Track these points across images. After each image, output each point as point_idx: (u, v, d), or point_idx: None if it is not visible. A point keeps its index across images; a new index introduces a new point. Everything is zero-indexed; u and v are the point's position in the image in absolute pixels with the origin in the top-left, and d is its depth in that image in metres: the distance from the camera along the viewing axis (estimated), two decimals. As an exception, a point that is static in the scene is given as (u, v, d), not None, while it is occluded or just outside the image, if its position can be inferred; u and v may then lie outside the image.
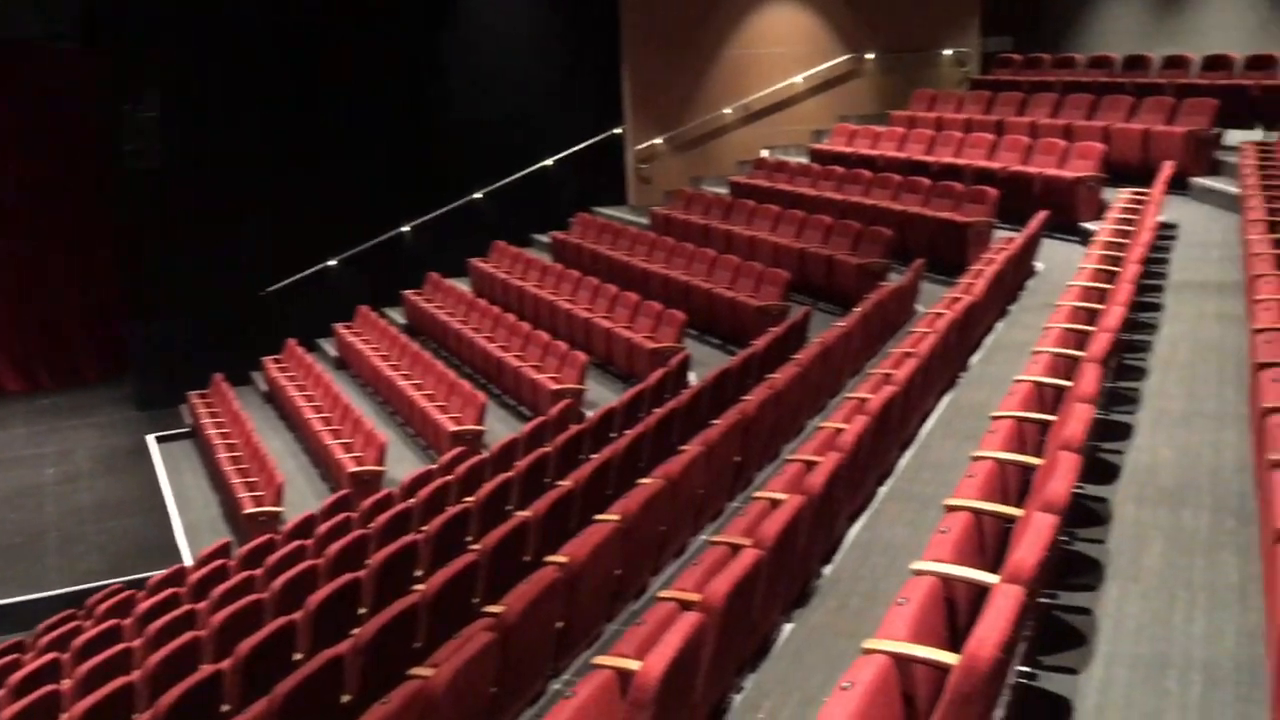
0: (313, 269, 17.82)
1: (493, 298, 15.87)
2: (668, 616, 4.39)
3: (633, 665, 3.68)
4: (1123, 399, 6.36)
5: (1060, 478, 3.76)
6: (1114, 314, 5.67)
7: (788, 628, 4.88)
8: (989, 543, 4.16)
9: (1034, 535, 3.36)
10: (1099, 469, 5.43)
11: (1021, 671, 3.72)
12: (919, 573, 3.71)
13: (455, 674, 4.25)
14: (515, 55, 18.42)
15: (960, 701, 2.77)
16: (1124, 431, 5.85)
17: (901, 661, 3.26)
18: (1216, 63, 13.59)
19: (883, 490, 6.23)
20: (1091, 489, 5.19)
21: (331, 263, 17.93)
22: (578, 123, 18.18)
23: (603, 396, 11.77)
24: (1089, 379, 4.71)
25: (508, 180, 18.36)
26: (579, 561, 5.10)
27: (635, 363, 12.16)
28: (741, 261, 13.08)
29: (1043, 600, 4.21)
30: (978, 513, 4.12)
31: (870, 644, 3.33)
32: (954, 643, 3.48)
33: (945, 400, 7.57)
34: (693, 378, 11.00)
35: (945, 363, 7.47)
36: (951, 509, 4.15)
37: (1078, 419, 4.27)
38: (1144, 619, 4.00)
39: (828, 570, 5.36)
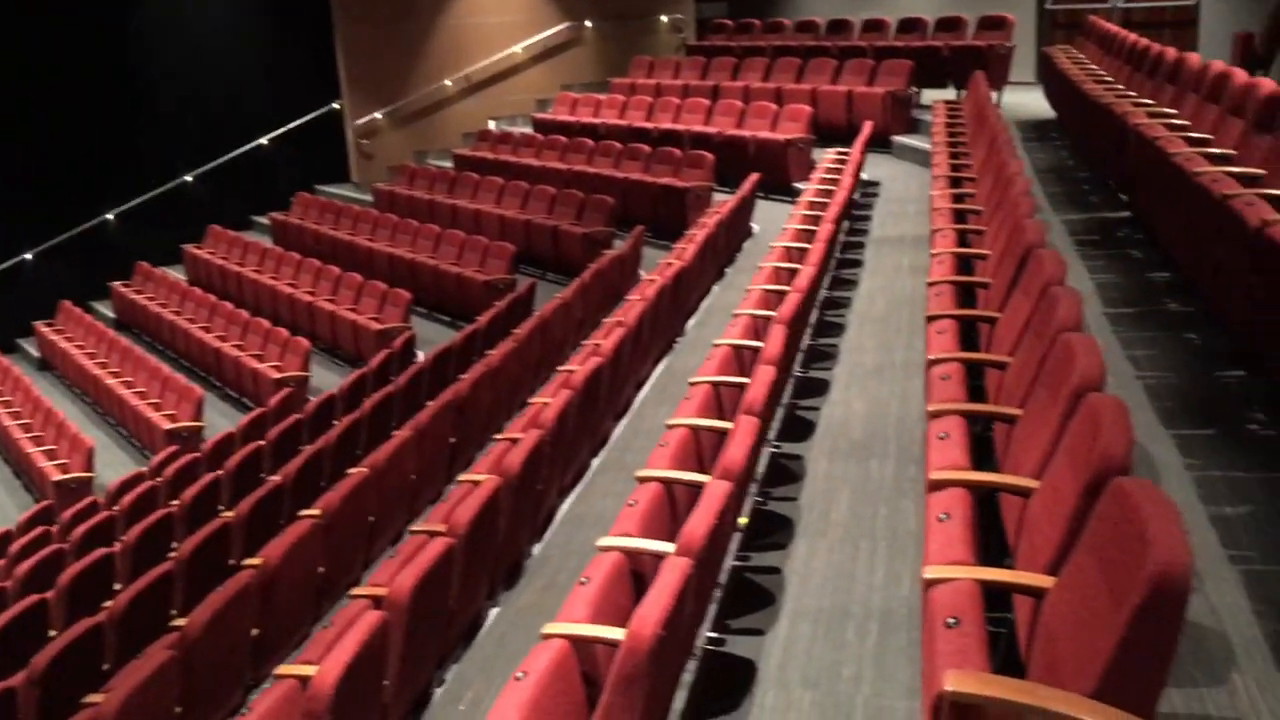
0: (5, 264, 16.45)
1: (209, 285, 15.08)
2: (358, 615, 4.20)
3: (310, 672, 3.49)
4: (822, 355, 6.54)
5: (738, 443, 3.77)
6: (805, 275, 5.79)
7: (494, 611, 4.78)
8: (682, 513, 4.15)
9: (706, 504, 3.35)
10: (797, 426, 5.55)
11: (710, 638, 3.73)
12: (604, 549, 3.66)
13: (127, 699, 3.94)
14: (220, 28, 17.47)
15: (624, 683, 2.72)
16: (821, 388, 6.01)
17: (582, 643, 3.20)
18: (910, 25, 14.23)
19: (596, 462, 6.21)
20: (789, 447, 5.30)
21: (27, 256, 16.60)
22: (292, 98, 17.42)
23: (329, 383, 11.33)
24: (775, 341, 4.77)
25: (221, 161, 17.42)
26: (273, 563, 4.83)
27: (362, 346, 11.79)
28: (467, 236, 12.86)
29: (736, 563, 4.26)
30: (668, 483, 4.10)
31: (549, 628, 3.25)
32: (639, 617, 3.44)
33: (661, 366, 7.62)
34: (422, 357, 10.74)
35: (659, 329, 7.51)
36: (642, 480, 4.12)
37: (760, 382, 4.31)
38: (829, 572, 4.09)
39: (537, 549, 5.28)
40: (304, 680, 3.59)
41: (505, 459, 4.86)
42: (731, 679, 3.51)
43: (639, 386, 7.23)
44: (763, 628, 3.78)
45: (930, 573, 2.63)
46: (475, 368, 7.39)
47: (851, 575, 4.05)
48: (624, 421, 6.71)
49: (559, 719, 2.98)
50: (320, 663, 3.45)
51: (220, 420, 11.77)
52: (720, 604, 3.95)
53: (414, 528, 5.29)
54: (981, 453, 3.91)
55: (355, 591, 4.61)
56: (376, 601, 4.14)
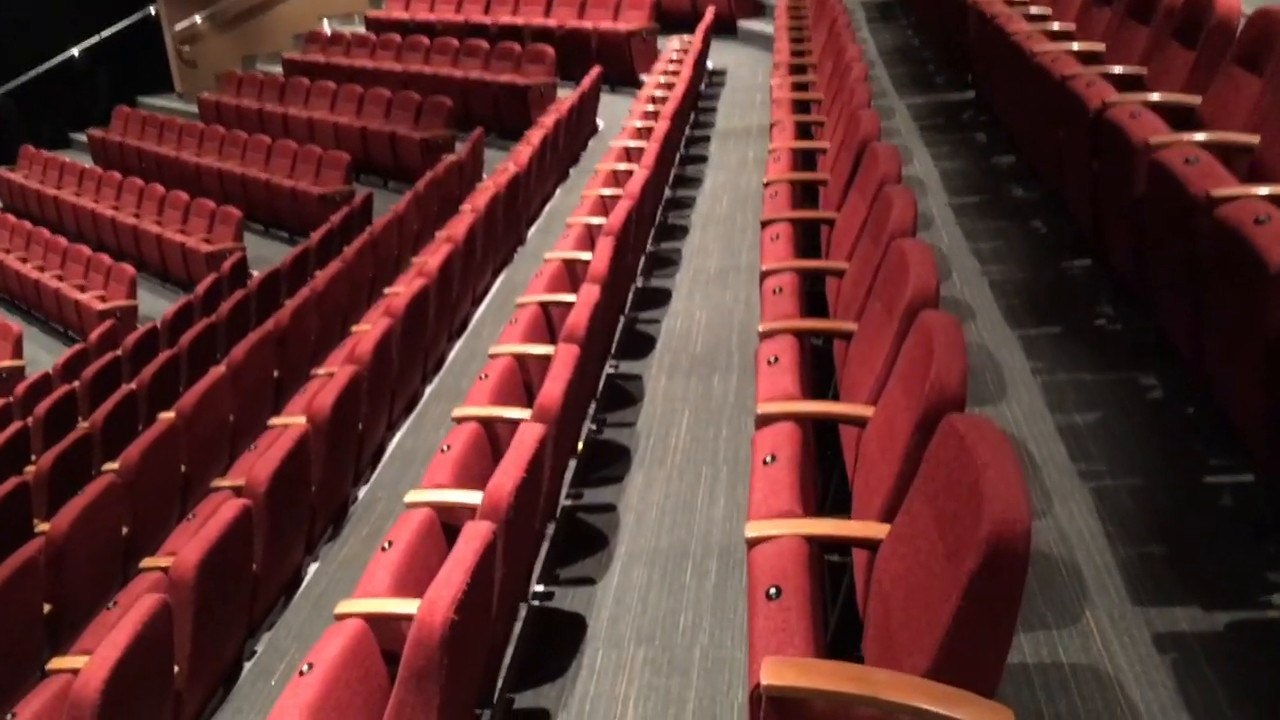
0: None
1: (24, 211, 14.04)
2: (150, 589, 3.78)
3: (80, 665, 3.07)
4: (665, 261, 6.20)
5: (555, 378, 3.42)
6: (636, 180, 5.40)
7: (314, 567, 4.40)
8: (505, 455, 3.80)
9: (516, 454, 3.00)
10: (636, 342, 5.22)
11: (538, 593, 3.42)
12: (412, 505, 3.29)
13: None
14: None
15: (416, 678, 2.37)
16: (663, 297, 5.68)
17: (382, 621, 2.85)
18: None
19: (429, 389, 5.81)
20: (626, 366, 4.97)
21: None
22: (104, 4, 16.14)
23: (160, 312, 10.64)
24: (602, 256, 4.40)
25: (28, 76, 16.11)
26: (61, 531, 4.35)
27: (193, 270, 11.08)
28: (300, 146, 12.12)
29: (568, 503, 3.94)
30: (487, 421, 3.74)
31: (342, 607, 2.89)
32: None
33: (501, 279, 7.21)
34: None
35: (495, 241, 7.07)
36: (459, 420, 3.75)
37: (583, 304, 3.95)
38: (667, 506, 3.80)
39: (363, 491, 4.90)
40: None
41: (315, 400, 4.43)
42: (559, 638, 3.21)
43: (476, 303, 6.81)
44: (594, 576, 3.47)
45: (752, 530, 2.33)
46: (299, 294, 6.87)
47: (691, 508, 3.76)
48: (460, 342, 6.32)
49: (352, 714, 2.64)
50: (92, 656, 3.03)
51: (45, 358, 10.99)
52: (550, 549, 3.63)
53: (216, 482, 4.84)
54: (824, 374, 3.64)
55: (146, 563, 4.17)
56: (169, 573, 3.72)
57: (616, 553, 3.57)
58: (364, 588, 2.97)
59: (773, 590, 2.11)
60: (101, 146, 14.83)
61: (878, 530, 2.30)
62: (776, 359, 3.07)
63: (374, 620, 2.84)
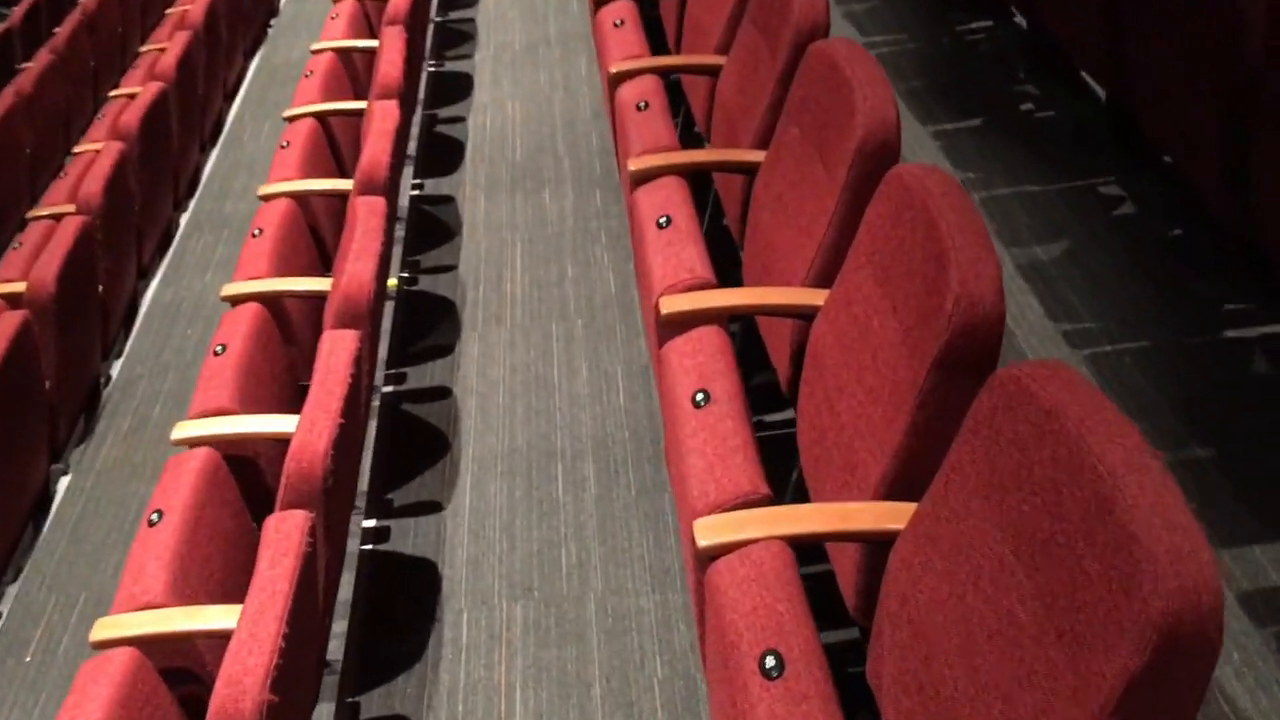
0: None
1: None
2: None
3: None
4: (459, 37, 5.16)
5: (360, 254, 2.52)
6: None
7: (65, 482, 3.47)
8: (308, 356, 2.89)
9: (323, 396, 2.14)
10: (439, 151, 4.27)
11: (369, 529, 2.63)
12: (182, 442, 2.43)
13: None
14: None
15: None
16: (464, 86, 4.69)
17: (163, 640, 2.05)
18: None
19: (185, 217, 4.75)
20: (433, 185, 4.05)
21: None
22: None
23: None
24: (393, 57, 3.40)
25: None
26: None
27: None
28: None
29: (387, 389, 3.11)
30: (272, 298, 2.83)
31: (103, 631, 2.05)
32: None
33: (256, 62, 6.00)
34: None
35: (242, 16, 5.81)
36: (232, 301, 2.84)
37: (380, 133, 2.99)
38: (516, 384, 3.01)
39: (116, 367, 3.93)
40: None
41: (34, 272, 3.39)
42: (405, 601, 2.46)
43: (230, 98, 5.63)
44: (439, 498, 2.71)
45: (703, 536, 1.60)
46: (2, 98, 5.51)
47: (547, 384, 2.98)
48: (216, 151, 5.20)
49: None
50: None
51: None
52: (375, 462, 2.83)
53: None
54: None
55: None
56: None
57: (462, 459, 2.80)
58: (128, 590, 2.14)
59: (772, 665, 1.40)
60: None
61: (896, 517, 1.60)
62: (669, 220, 2.27)
63: (150, 642, 2.04)
